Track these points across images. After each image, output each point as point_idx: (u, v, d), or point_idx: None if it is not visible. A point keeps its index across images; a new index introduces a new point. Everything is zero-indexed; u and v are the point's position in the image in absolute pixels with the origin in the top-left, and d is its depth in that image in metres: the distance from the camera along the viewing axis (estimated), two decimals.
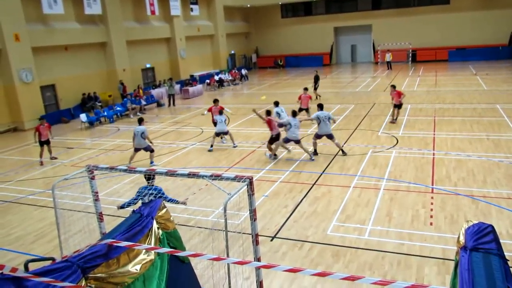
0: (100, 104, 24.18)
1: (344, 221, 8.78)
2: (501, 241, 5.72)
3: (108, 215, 8.72)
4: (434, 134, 14.75)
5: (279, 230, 8.56)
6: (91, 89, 24.60)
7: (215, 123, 15.23)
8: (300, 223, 8.80)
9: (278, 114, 15.20)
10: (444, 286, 6.30)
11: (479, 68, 32.07)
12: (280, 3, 42.81)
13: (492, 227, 5.68)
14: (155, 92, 27.02)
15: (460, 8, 37.76)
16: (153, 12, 28.51)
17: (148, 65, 29.94)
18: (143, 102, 24.31)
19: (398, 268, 7.01)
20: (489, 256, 5.38)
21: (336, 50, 44.00)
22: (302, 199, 10.01)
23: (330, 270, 7.00)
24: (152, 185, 7.74)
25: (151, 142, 13.55)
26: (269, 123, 13.26)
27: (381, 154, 13.03)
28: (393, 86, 17.29)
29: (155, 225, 5.18)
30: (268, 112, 13.61)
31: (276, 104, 15.79)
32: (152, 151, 13.60)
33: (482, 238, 5.57)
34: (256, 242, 6.86)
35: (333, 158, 12.89)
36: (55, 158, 15.05)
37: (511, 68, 31.28)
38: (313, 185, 10.85)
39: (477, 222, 5.82)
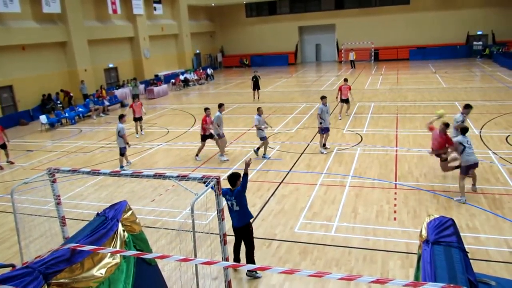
0: (60, 105, 23.40)
1: (311, 218, 8.91)
2: (461, 234, 5.98)
3: (71, 219, 8.49)
4: (396, 131, 15.18)
5: None
6: (51, 89, 23.80)
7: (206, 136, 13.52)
8: (268, 222, 8.86)
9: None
10: (408, 279, 6.51)
11: (438, 67, 33.26)
12: (244, 2, 42.86)
13: (453, 220, 5.91)
14: (118, 92, 26.47)
15: (420, 8, 39.02)
16: (115, 11, 27.90)
17: (111, 65, 29.28)
18: (106, 103, 23.77)
19: (364, 263, 7.18)
20: (450, 249, 5.60)
21: (301, 49, 44.50)
22: (270, 197, 10.08)
23: (297, 267, 7.09)
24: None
25: (127, 143, 12.74)
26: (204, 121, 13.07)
27: (346, 151, 13.30)
28: (346, 80, 18.12)
29: (120, 228, 5.09)
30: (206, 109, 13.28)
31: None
32: (122, 154, 12.80)
33: (443, 232, 5.79)
34: (224, 242, 6.85)
35: (299, 156, 13.04)
36: (12, 163, 14.45)
37: (468, 67, 32.61)
38: (280, 183, 10.95)
39: (438, 216, 6.05)
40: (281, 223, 8.75)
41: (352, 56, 36.89)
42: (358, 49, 39.25)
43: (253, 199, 10.00)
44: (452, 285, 4.03)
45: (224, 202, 7.53)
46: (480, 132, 14.45)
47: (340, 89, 17.93)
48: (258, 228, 8.58)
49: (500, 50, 35.47)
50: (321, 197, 9.94)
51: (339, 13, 41.57)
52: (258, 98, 23.66)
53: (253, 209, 9.47)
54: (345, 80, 18.50)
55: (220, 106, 13.50)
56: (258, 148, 13.26)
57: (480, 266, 6.72)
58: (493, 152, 12.31)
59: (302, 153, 13.39)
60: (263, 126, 12.82)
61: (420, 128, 15.47)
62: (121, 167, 12.81)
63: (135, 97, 24.86)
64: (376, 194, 9.91)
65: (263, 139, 12.96)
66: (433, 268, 5.32)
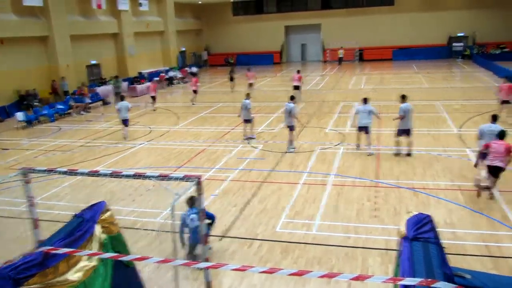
0: (38, 102, 22.71)
1: (293, 217, 8.93)
2: (439, 229, 6.06)
3: (47, 220, 8.33)
4: (379, 130, 15.31)
5: (229, 229, 8.56)
6: (30, 86, 23.20)
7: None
8: (250, 221, 8.85)
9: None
10: (387, 275, 6.57)
11: (421, 67, 33.68)
12: (231, 0, 42.73)
13: (430, 217, 5.99)
14: (100, 89, 26.09)
15: (404, 9, 39.45)
16: (99, 6, 27.46)
17: (93, 62, 28.84)
18: (88, 100, 23.38)
19: (344, 261, 7.23)
20: (428, 244, 5.67)
21: (286, 48, 44.58)
22: (252, 197, 10.07)
23: (279, 266, 7.09)
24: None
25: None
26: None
27: (329, 150, 13.37)
28: (298, 71, 22.25)
29: (98, 229, 5.02)
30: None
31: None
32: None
33: (421, 228, 5.87)
34: (204, 242, 6.82)
35: (282, 156, 13.06)
36: None
37: (449, 67, 33.09)
38: (262, 182, 10.94)
39: (417, 213, 6.12)
40: (263, 223, 8.75)
41: (341, 53, 38.77)
42: (344, 49, 39.64)
43: (235, 199, 9.98)
44: (428, 279, 4.08)
45: (206, 202, 7.51)
46: (459, 130, 14.66)
47: (295, 72, 22.35)
48: (240, 228, 8.56)
49: (480, 52, 36.10)
50: (303, 196, 9.97)
51: (325, 13, 41.74)
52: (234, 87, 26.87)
53: (234, 209, 9.46)
54: (298, 71, 22.41)
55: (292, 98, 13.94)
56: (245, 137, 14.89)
57: (457, 260, 6.80)
58: (471, 149, 12.50)
59: (285, 152, 13.40)
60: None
61: None
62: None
63: (117, 94, 24.62)
64: (357, 192, 9.98)
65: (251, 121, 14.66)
66: (411, 264, 5.39)
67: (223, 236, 8.27)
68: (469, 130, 14.58)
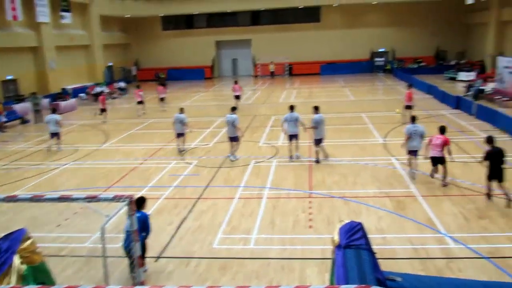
0: None
1: (229, 232, 8.86)
2: (370, 236, 6.30)
3: None
4: (310, 143, 15.76)
5: (164, 249, 8.29)
6: None
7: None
8: (186, 239, 8.64)
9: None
10: (324, 284, 6.71)
11: (347, 81, 35.45)
12: (160, 15, 42.24)
13: (361, 224, 6.23)
14: (18, 107, 24.29)
15: (329, 26, 41.47)
16: (15, 18, 25.66)
17: (10, 77, 26.85)
18: (3, 119, 21.65)
19: (282, 273, 7.28)
20: (360, 251, 5.88)
21: (217, 63, 44.81)
22: (187, 214, 9.87)
23: (217, 284, 6.97)
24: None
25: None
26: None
27: (263, 164, 13.52)
28: (236, 82, 24.09)
29: (17, 260, 4.61)
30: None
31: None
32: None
33: (353, 236, 6.08)
34: (139, 265, 6.54)
35: (217, 171, 12.99)
36: None
37: (372, 81, 35.16)
38: (198, 199, 10.78)
39: (348, 221, 6.35)
40: (199, 240, 8.58)
41: (272, 67, 40.42)
42: (274, 63, 40.76)
43: (169, 218, 9.71)
44: (362, 285, 4.20)
45: (137, 225, 7.21)
46: (384, 140, 15.54)
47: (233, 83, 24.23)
48: (176, 248, 8.33)
49: (399, 66, 38.84)
50: (240, 210, 9.96)
51: (255, 29, 42.65)
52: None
53: (170, 227, 9.20)
54: (236, 82, 24.34)
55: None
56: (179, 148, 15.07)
57: (388, 264, 7.12)
58: (395, 158, 13.28)
59: (220, 167, 13.35)
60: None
61: (332, 138, 16.23)
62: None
63: (37, 112, 23.18)
64: (292, 204, 10.16)
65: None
66: (345, 271, 5.54)
67: (159, 257, 7.98)
68: (393, 140, 15.50)
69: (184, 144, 15.28)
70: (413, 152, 11.34)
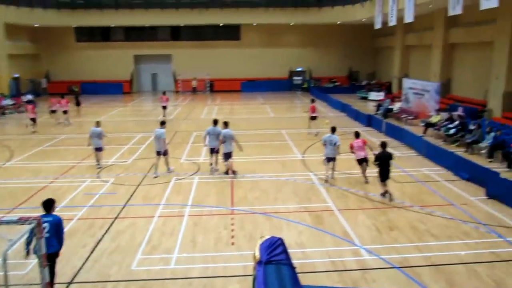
0: None
1: (149, 253, 8.57)
2: (290, 250, 6.46)
3: None
4: (231, 159, 15.87)
5: (77, 273, 7.77)
6: None
7: None
8: (102, 262, 8.18)
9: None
10: None
11: (267, 98, 36.41)
12: (73, 26, 40.24)
13: (282, 240, 6.38)
14: None
15: (249, 44, 42.47)
16: None
17: None
18: None
19: None
20: (280, 266, 6.01)
21: (136, 78, 43.61)
22: (104, 235, 9.38)
23: None
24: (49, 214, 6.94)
25: None
26: None
27: (184, 180, 13.32)
28: (164, 93, 25.12)
29: None
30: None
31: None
32: None
33: (274, 251, 6.21)
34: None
35: (136, 188, 12.55)
36: None
37: (291, 99, 36.49)
38: (115, 219, 10.30)
39: (269, 236, 6.47)
40: (116, 262, 8.17)
41: (194, 83, 40.50)
42: (196, 79, 40.73)
43: (83, 239, 9.15)
44: None
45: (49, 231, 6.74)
46: (303, 157, 16.13)
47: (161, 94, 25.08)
48: (90, 271, 7.84)
49: (316, 85, 40.82)
50: (160, 229, 9.68)
51: (175, 44, 42.28)
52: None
53: (83, 250, 8.66)
54: (164, 93, 25.74)
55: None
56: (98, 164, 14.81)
57: (307, 278, 7.36)
58: (314, 173, 13.84)
59: (139, 185, 12.92)
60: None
61: (253, 154, 16.52)
62: None
63: None
64: (214, 221, 10.11)
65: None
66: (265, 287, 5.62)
67: (71, 282, 7.45)
68: (311, 156, 16.16)
69: (101, 160, 14.99)
70: (329, 159, 12.88)
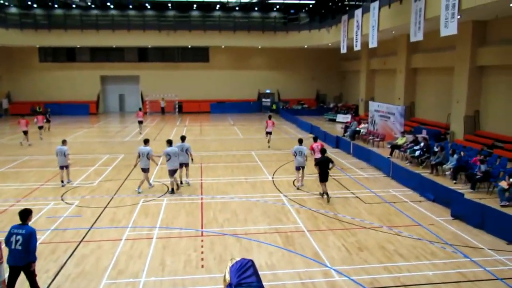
0: None
1: (116, 277, 8.32)
2: (261, 272, 6.42)
3: None
4: (201, 180, 15.80)
5: None
6: None
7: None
8: None
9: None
10: None
11: (236, 119, 36.59)
12: (37, 46, 39.44)
13: (252, 261, 6.35)
14: None
15: (218, 66, 42.86)
16: None
17: None
18: None
19: None
20: None
21: (103, 99, 42.95)
22: (67, 259, 9.05)
23: None
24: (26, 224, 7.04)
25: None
26: None
27: (152, 202, 13.10)
28: (140, 109, 26.19)
29: None
30: None
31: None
32: None
33: (244, 273, 6.17)
34: None
35: (102, 211, 12.23)
36: None
37: (260, 120, 36.73)
38: (80, 242, 9.97)
39: (239, 259, 6.42)
40: None
41: (163, 103, 40.27)
42: (165, 100, 40.57)
43: (46, 264, 8.80)
44: None
45: (4, 265, 6.58)
46: (272, 178, 16.22)
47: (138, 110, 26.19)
48: None
49: (285, 107, 41.40)
50: (127, 252, 9.44)
51: (142, 65, 42.10)
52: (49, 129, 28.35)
53: (45, 275, 8.32)
54: (140, 109, 27.24)
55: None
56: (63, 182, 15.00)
57: None
58: (284, 194, 13.92)
59: (105, 207, 12.61)
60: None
61: (223, 176, 16.48)
62: None
63: None
64: (183, 244, 9.95)
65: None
66: None
67: None
68: (281, 177, 16.27)
69: (68, 178, 15.31)
70: (299, 168, 14.49)
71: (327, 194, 13.16)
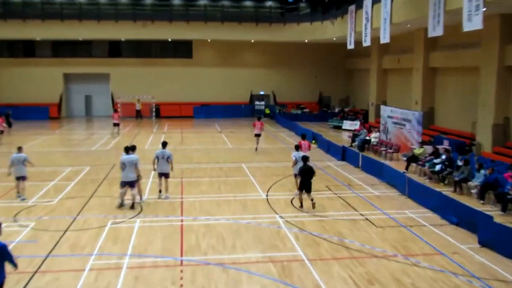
0: None
1: None
2: None
3: None
4: (182, 198, 15.69)
5: None
6: None
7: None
8: None
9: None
10: None
11: (224, 126, 36.58)
12: None
13: None
14: None
15: (203, 63, 42.94)
16: None
17: None
18: None
19: None
20: None
21: (66, 100, 42.78)
22: None
23: None
24: None
25: None
26: None
27: (123, 225, 12.97)
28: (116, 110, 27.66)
29: None
30: None
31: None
32: None
33: None
34: None
35: (62, 235, 12.08)
36: None
37: (253, 127, 36.80)
38: (34, 273, 9.81)
39: None
40: None
41: (138, 106, 40.29)
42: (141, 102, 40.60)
43: None
44: None
45: None
46: (267, 196, 16.15)
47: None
48: None
49: (281, 111, 41.50)
50: (91, 285, 9.31)
51: (113, 61, 42.09)
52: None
53: None
54: (115, 110, 27.71)
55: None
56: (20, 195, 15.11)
57: None
58: (280, 216, 13.84)
59: (66, 230, 12.46)
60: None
61: (207, 193, 16.38)
62: None
63: None
64: (159, 274, 9.84)
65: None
66: None
67: None
68: (277, 194, 16.21)
69: (24, 191, 15.35)
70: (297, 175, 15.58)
71: (312, 200, 14.25)
